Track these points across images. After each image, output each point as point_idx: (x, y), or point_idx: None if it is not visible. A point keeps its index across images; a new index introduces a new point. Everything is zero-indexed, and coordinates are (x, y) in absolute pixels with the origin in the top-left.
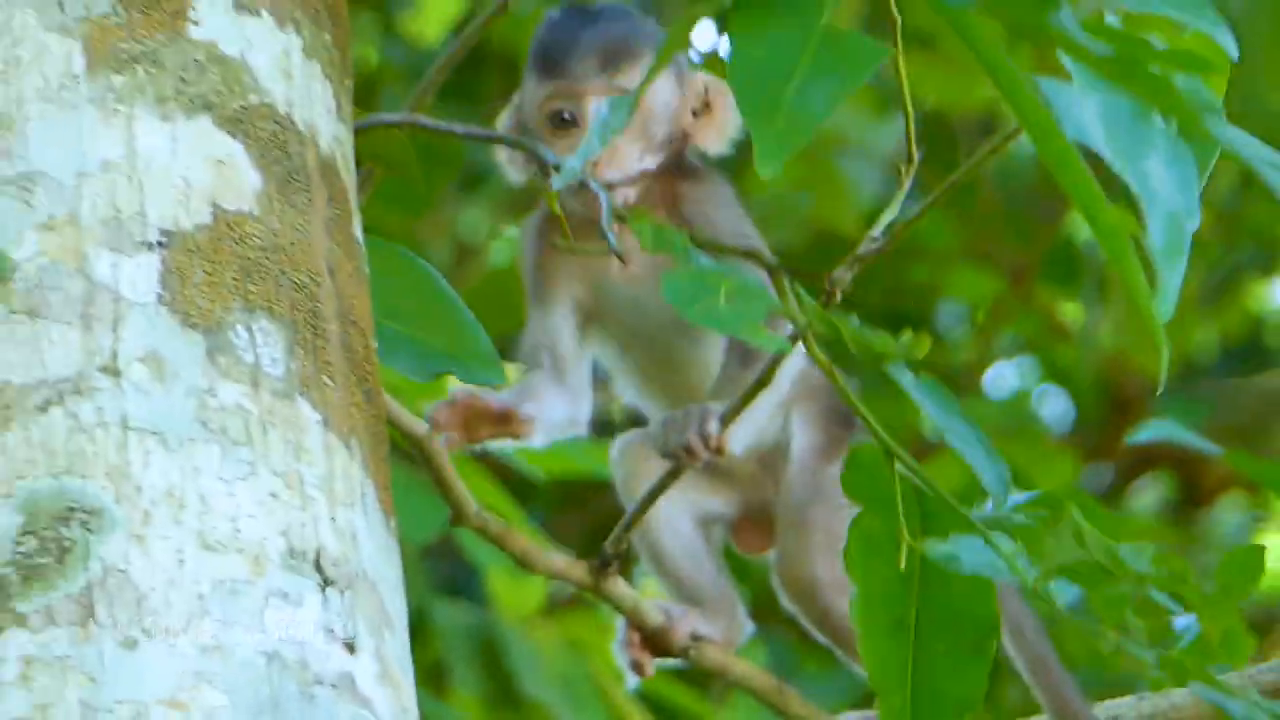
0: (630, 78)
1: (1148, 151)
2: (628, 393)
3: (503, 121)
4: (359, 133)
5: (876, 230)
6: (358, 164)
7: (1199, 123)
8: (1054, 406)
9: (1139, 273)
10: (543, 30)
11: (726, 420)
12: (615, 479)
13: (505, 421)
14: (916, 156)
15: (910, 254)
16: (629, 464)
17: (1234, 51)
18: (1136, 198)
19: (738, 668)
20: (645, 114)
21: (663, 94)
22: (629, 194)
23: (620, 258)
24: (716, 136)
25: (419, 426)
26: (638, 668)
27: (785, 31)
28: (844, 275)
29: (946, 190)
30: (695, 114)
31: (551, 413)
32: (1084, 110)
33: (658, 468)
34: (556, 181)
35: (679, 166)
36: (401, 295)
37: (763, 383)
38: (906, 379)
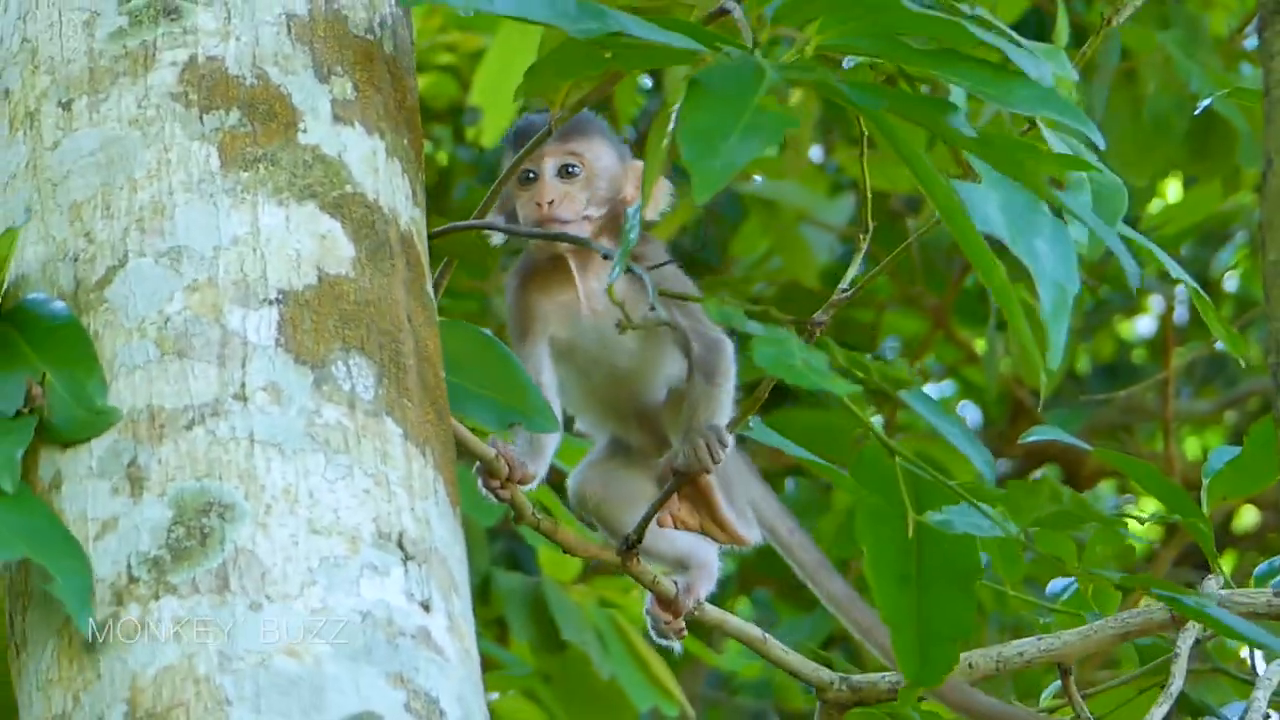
0: (580, 146)
1: (1037, 233)
2: (582, 416)
3: (498, 196)
4: (442, 234)
5: (844, 284)
6: (440, 257)
7: (1064, 209)
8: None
9: (1022, 319)
10: (516, 123)
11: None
12: (588, 504)
13: (518, 476)
14: (870, 228)
15: (856, 301)
16: (596, 491)
17: (1101, 142)
18: (1029, 270)
19: (731, 622)
20: (591, 173)
21: (606, 160)
22: (583, 229)
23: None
24: (650, 207)
25: (488, 451)
26: (670, 632)
27: (729, 104)
28: (823, 318)
29: (893, 258)
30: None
31: (538, 470)
32: (987, 201)
33: (628, 482)
34: (613, 274)
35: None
36: (474, 363)
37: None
38: (912, 396)
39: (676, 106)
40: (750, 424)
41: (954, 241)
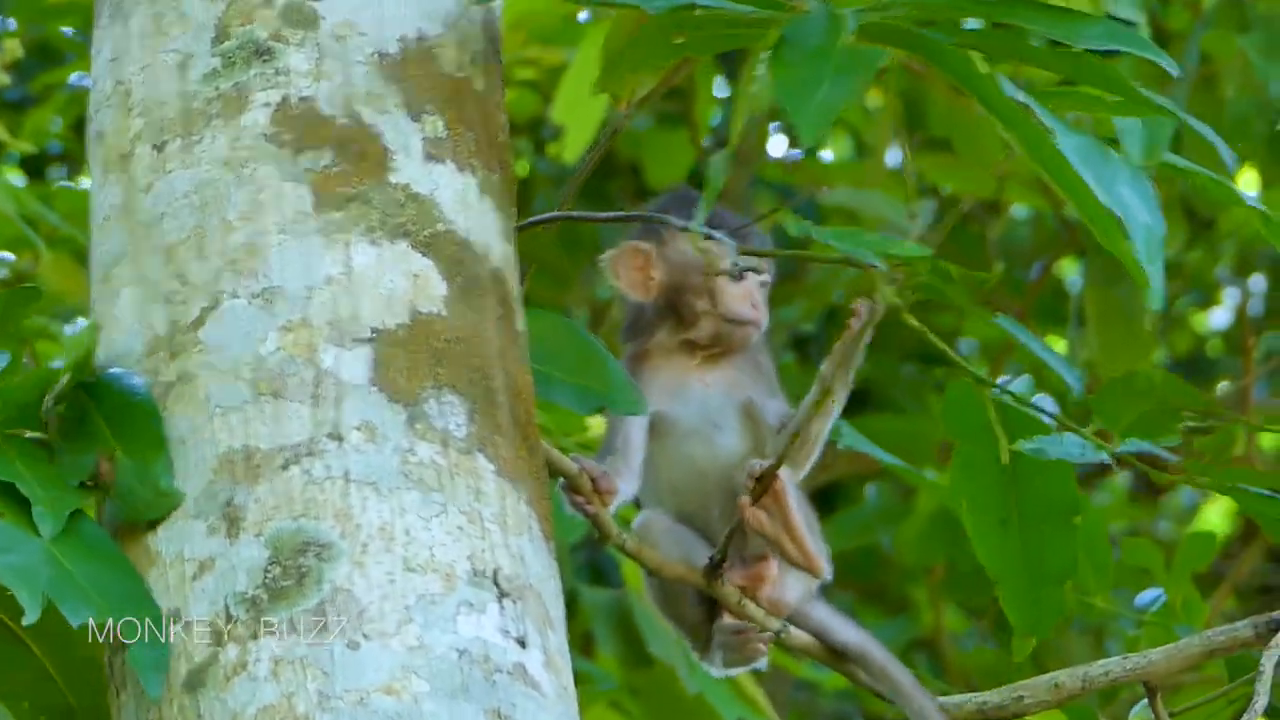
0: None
1: (1119, 181)
2: (663, 502)
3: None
4: (519, 232)
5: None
6: (520, 264)
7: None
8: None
9: (1124, 241)
10: (679, 191)
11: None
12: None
13: (603, 490)
14: (920, 220)
15: (937, 307)
16: (660, 526)
17: (1175, 70)
18: (1119, 220)
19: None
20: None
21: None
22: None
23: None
24: None
25: (571, 467)
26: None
27: (816, 52)
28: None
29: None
30: None
31: (623, 487)
32: (1067, 152)
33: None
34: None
35: None
36: (561, 350)
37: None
38: (1001, 319)
39: (764, 56)
40: (840, 430)
41: (1033, 244)
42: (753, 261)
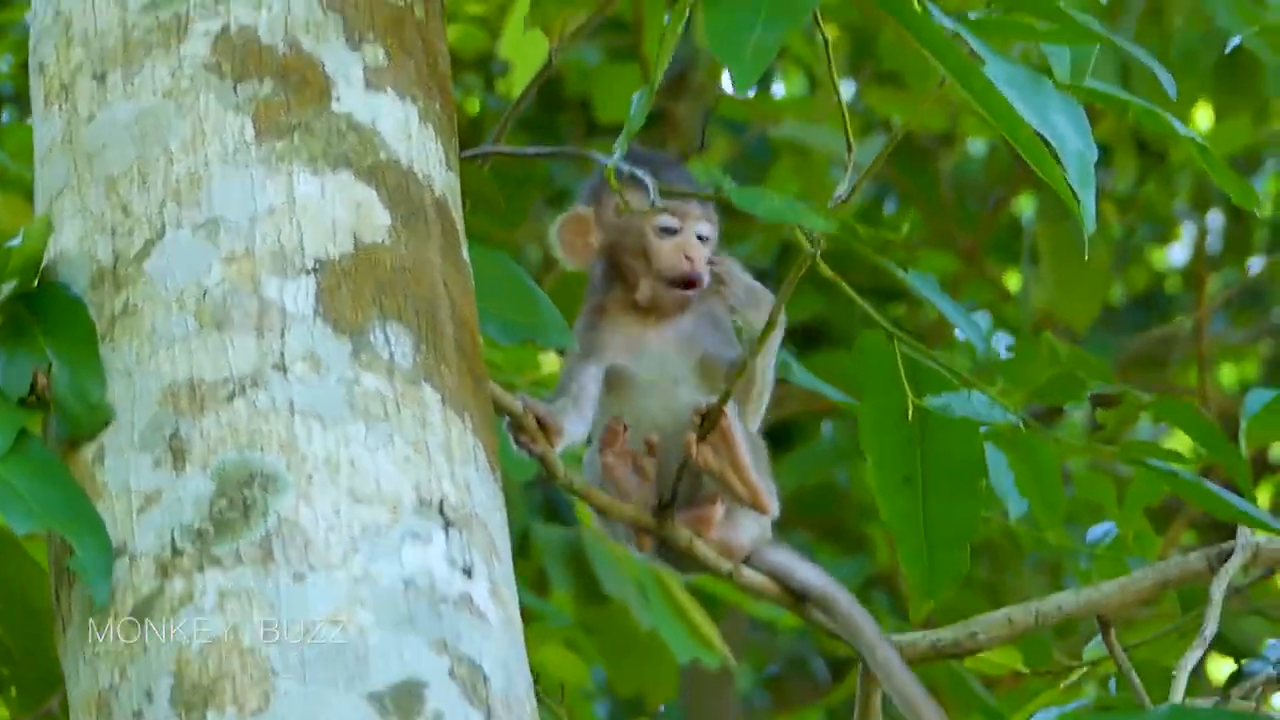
0: (714, 217)
1: (1051, 108)
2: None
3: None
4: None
5: (840, 192)
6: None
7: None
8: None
9: (1055, 168)
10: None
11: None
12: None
13: (548, 428)
14: (851, 144)
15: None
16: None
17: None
18: (1050, 145)
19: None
20: (710, 245)
21: (716, 238)
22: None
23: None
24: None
25: (516, 405)
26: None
27: None
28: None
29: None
30: None
31: (572, 428)
32: (997, 81)
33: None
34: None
35: None
36: (490, 283)
37: (772, 324)
38: (908, 275)
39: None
40: (791, 367)
41: (987, 178)
42: (680, 206)
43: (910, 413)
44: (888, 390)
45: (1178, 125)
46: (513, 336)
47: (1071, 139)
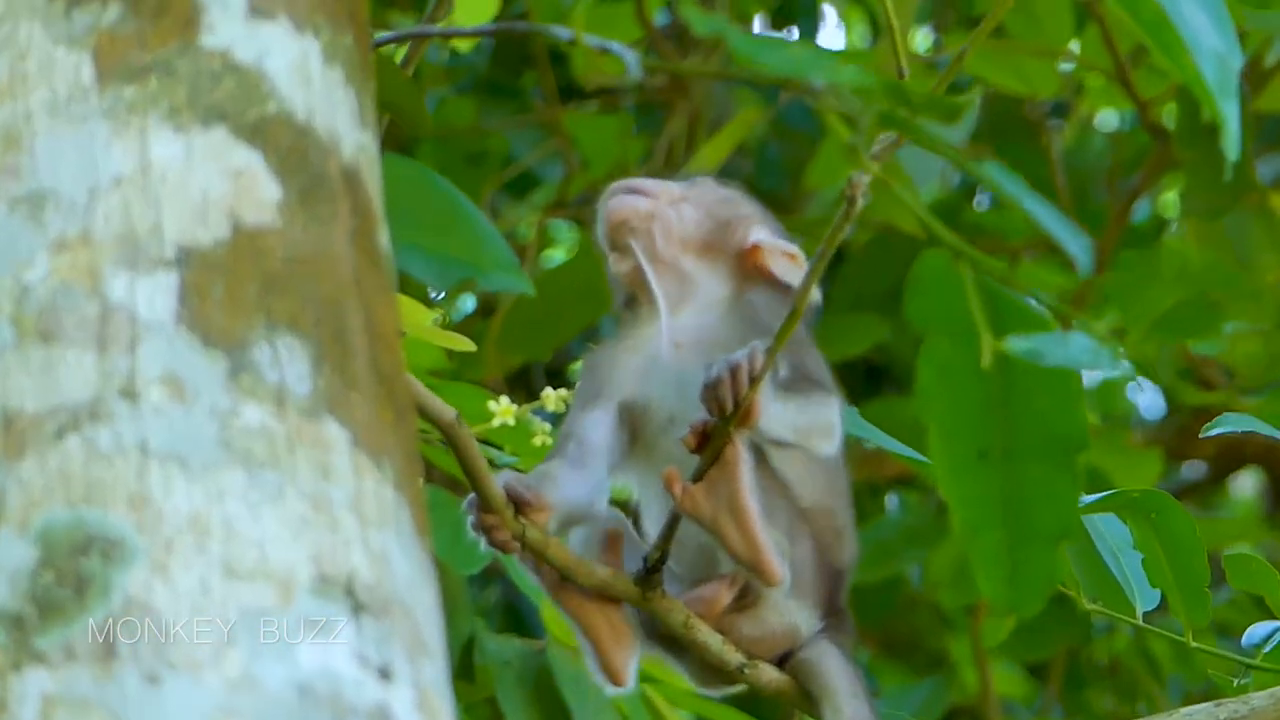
0: None
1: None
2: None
3: None
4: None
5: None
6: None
7: None
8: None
9: (1182, 45)
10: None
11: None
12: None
13: (525, 504)
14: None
15: (981, 246)
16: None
17: None
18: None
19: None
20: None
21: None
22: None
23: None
24: None
25: (447, 412)
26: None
27: None
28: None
29: None
30: None
31: (568, 494)
32: None
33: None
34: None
35: None
36: (420, 209)
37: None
38: (987, 168)
39: None
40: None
41: (1115, 161)
42: None
43: (986, 360)
44: (955, 331)
45: None
46: (448, 275)
47: (1209, 36)
